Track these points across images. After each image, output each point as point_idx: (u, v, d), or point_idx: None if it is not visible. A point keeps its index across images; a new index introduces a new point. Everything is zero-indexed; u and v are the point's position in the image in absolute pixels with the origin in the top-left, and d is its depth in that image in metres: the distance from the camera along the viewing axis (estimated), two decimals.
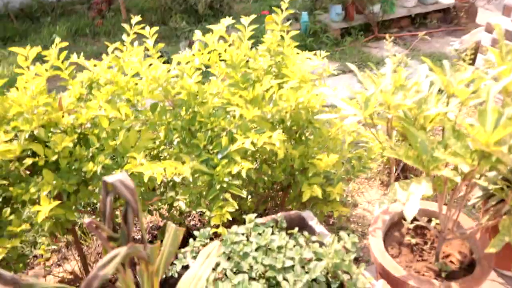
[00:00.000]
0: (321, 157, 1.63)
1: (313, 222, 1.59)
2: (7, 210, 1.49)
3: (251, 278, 1.27)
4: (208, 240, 1.46)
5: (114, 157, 1.60)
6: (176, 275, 1.45)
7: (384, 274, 1.42)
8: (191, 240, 1.46)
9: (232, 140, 1.60)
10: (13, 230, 1.37)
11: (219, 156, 1.60)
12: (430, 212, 1.63)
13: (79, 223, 2.28)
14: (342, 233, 1.44)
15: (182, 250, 1.46)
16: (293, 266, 1.29)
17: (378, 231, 1.53)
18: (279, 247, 1.34)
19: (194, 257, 1.43)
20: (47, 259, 2.22)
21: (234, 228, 1.45)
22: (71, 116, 1.59)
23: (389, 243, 1.56)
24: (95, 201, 1.95)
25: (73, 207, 1.61)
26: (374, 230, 1.53)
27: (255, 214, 1.48)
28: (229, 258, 1.35)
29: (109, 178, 0.73)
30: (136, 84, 1.64)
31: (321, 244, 1.51)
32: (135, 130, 1.59)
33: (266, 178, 1.84)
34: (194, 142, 1.63)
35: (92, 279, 0.65)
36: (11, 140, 1.56)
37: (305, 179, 1.74)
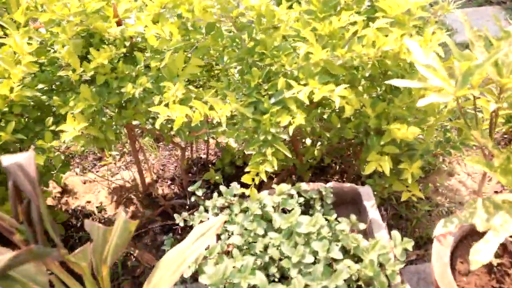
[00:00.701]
0: (398, 125, 1.25)
1: (369, 204, 1.28)
2: (50, 119, 1.45)
3: (262, 262, 1.06)
4: (234, 198, 1.26)
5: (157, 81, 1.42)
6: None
7: None
8: (215, 195, 1.28)
9: (289, 85, 1.29)
10: (42, 145, 1.32)
11: (272, 100, 1.32)
12: None
13: (144, 135, 2.25)
14: (395, 233, 1.12)
15: (207, 202, 1.29)
16: (316, 261, 1.04)
17: (448, 237, 1.17)
18: (307, 234, 1.09)
19: (216, 214, 1.26)
20: (116, 161, 2.28)
21: (263, 193, 1.22)
22: (120, 27, 1.42)
23: (461, 254, 1.20)
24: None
25: (114, 126, 1.53)
26: (443, 235, 1.17)
27: (289, 186, 1.22)
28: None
29: (5, 160, 0.54)
30: None
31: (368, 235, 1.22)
32: (182, 52, 1.37)
33: (328, 135, 1.52)
34: (246, 77, 1.36)
35: None
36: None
37: (378, 144, 1.39)
